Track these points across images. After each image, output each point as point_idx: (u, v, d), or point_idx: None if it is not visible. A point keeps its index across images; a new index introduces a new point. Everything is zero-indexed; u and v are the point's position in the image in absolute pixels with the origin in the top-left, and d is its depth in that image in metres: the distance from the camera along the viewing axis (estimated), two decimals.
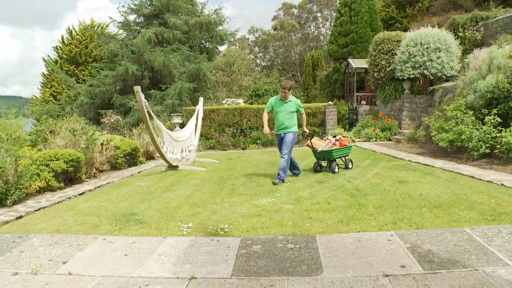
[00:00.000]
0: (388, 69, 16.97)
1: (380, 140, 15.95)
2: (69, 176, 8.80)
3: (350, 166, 9.54)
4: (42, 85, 30.07)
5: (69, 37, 29.63)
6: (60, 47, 29.44)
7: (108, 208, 6.46)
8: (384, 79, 17.40)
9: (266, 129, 8.66)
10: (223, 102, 22.32)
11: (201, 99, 14.25)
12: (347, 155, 9.68)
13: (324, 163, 9.68)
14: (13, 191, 6.93)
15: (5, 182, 6.94)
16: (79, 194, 7.83)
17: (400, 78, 16.24)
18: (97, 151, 10.21)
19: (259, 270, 3.72)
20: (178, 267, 3.88)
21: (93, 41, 27.29)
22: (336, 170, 9.02)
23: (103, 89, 21.29)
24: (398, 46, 16.44)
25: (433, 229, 4.56)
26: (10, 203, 6.83)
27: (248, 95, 24.78)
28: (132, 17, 24.38)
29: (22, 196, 7.13)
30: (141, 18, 24.34)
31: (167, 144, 10.39)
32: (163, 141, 10.26)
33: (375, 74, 17.69)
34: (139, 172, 10.66)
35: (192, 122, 12.79)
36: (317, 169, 9.37)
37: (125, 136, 13.82)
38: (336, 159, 9.41)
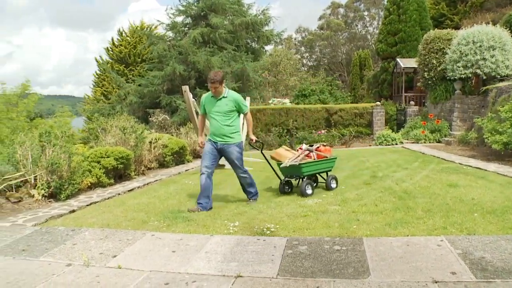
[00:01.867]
0: (438, 68, 16.48)
1: (430, 142, 15.52)
2: (119, 173, 9.06)
3: (333, 186, 7.35)
4: (93, 84, 31.12)
5: (119, 38, 30.49)
6: (110, 48, 30.35)
7: (156, 205, 6.61)
8: (434, 79, 16.90)
9: (200, 141, 6.87)
10: (270, 102, 22.31)
11: (247, 98, 14.30)
12: (330, 170, 7.54)
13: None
14: (67, 186, 7.21)
15: (59, 177, 7.23)
16: (128, 191, 8.05)
17: (451, 78, 15.74)
18: (146, 149, 10.45)
19: (305, 271, 3.69)
20: (224, 265, 3.91)
21: (142, 42, 27.95)
22: (309, 191, 6.84)
23: (152, 89, 21.75)
24: (449, 45, 15.94)
25: (486, 235, 4.38)
26: (63, 197, 7.11)
27: (294, 95, 24.71)
28: (179, 19, 24.80)
29: (74, 191, 7.40)
30: (188, 19, 24.70)
31: None
32: None
33: (425, 74, 17.21)
34: (186, 170, 10.84)
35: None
36: (284, 189, 7.21)
37: (172, 135, 14.07)
38: (314, 176, 7.49)
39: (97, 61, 30.61)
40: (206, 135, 6.86)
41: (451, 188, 6.87)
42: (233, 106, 6.37)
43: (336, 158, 7.66)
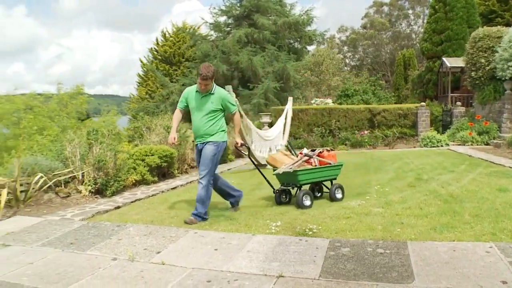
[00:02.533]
0: (487, 68, 15.91)
1: (477, 144, 15.01)
2: (163, 171, 9.24)
3: (339, 197, 6.53)
4: (138, 84, 31.82)
5: (163, 39, 31.05)
6: (155, 48, 30.95)
7: None
8: (482, 78, 16.33)
9: (172, 136, 5.89)
10: (312, 102, 22.17)
11: (290, 98, 14.30)
12: (334, 179, 6.75)
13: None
14: (112, 183, 7.43)
15: (106, 174, 7.45)
16: (172, 189, 8.20)
17: (501, 77, 15.17)
18: (189, 148, 10.61)
19: (348, 274, 3.65)
20: (266, 264, 3.92)
21: (185, 42, 28.38)
22: (307, 203, 6.08)
23: None
24: (499, 43, 15.35)
25: None
26: (109, 194, 7.33)
27: (337, 95, 24.48)
28: (222, 19, 25.06)
29: (120, 188, 7.61)
30: (231, 19, 24.92)
31: (256, 142, 10.55)
32: (252, 140, 10.43)
33: (472, 73, 16.65)
34: (228, 169, 10.93)
35: (280, 121, 12.88)
36: (280, 199, 6.47)
37: None
38: (316, 184, 6.79)
39: (141, 61, 31.34)
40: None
41: (501, 193, 6.62)
42: (219, 104, 5.74)
43: (342, 165, 6.76)
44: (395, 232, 4.70)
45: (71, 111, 17.24)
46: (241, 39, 22.15)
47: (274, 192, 6.43)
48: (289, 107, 13.70)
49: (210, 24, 24.86)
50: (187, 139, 10.31)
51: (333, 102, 21.90)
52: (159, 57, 30.20)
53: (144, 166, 8.49)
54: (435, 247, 4.16)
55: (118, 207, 6.61)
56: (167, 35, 30.93)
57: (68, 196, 7.17)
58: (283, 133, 12.95)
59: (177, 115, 6.00)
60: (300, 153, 6.74)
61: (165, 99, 24.13)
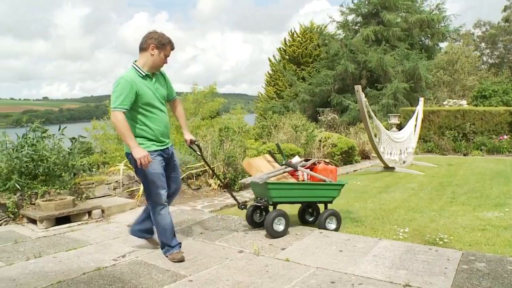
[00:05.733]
0: None
1: None
2: None
3: (331, 227, 5.04)
4: (266, 83, 32.63)
5: (290, 39, 31.45)
6: (283, 48, 31.48)
7: None
8: None
9: (144, 153, 3.88)
10: (444, 103, 20.82)
11: (421, 99, 13.60)
12: (330, 202, 5.23)
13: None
14: (240, 178, 7.70)
15: (234, 170, 7.77)
16: None
17: None
18: (315, 147, 10.63)
19: None
20: (392, 271, 3.75)
21: (312, 42, 28.44)
22: (279, 228, 4.73)
23: (322, 88, 22.04)
24: None
25: None
26: (237, 188, 7.64)
27: (473, 96, 22.64)
28: (350, 17, 24.68)
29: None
30: (359, 17, 24.43)
31: (385, 144, 10.21)
32: (381, 141, 10.11)
33: None
34: (354, 170, 10.76)
35: (411, 123, 12.31)
36: (251, 219, 5.12)
37: (341, 134, 14.06)
38: (310, 206, 5.46)
39: (270, 61, 32.09)
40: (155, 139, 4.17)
41: None
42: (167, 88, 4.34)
43: (343, 184, 5.23)
44: None
45: (206, 110, 18.31)
46: (369, 37, 21.58)
47: (239, 207, 4.98)
48: (419, 108, 13.03)
49: (338, 23, 24.63)
50: (314, 139, 10.33)
51: (467, 104, 20.32)
52: (287, 57, 30.66)
53: None
54: None
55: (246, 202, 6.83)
56: (294, 35, 31.30)
57: (198, 189, 7.64)
58: (414, 135, 12.36)
59: (120, 117, 3.85)
60: (291, 161, 5.30)
61: (293, 98, 24.47)
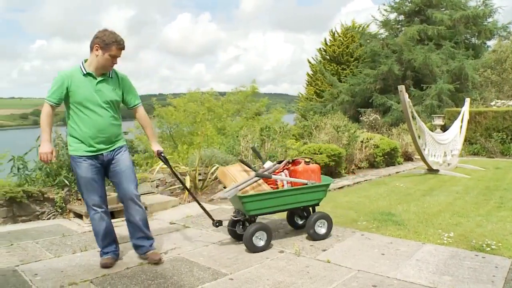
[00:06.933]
0: None
1: None
2: (330, 170, 9.26)
3: (321, 232, 4.71)
4: (307, 83, 32.42)
5: (331, 38, 31.14)
6: (323, 48, 31.20)
7: (365, 205, 6.57)
8: None
9: (47, 150, 3.84)
10: (491, 104, 20.09)
11: (467, 100, 13.19)
12: (317, 204, 4.89)
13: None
14: None
15: None
16: (338, 188, 8.19)
17: None
18: (357, 148, 10.50)
19: None
20: (436, 277, 3.66)
21: (354, 42, 28.05)
22: (259, 244, 4.36)
23: (363, 88, 21.70)
24: None
25: None
26: None
27: None
28: (392, 16, 24.20)
29: None
30: (401, 16, 23.92)
31: (429, 146, 9.96)
32: (425, 143, 9.87)
33: None
34: (396, 172, 10.55)
35: (456, 124, 11.96)
36: (233, 233, 4.76)
37: (383, 135, 13.83)
38: (300, 210, 5.05)
39: (309, 62, 31.88)
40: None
41: None
42: (121, 93, 4.15)
43: (328, 184, 4.93)
44: None
45: (250, 111, 18.45)
46: (414, 37, 21.07)
47: (213, 225, 4.58)
48: (465, 109, 12.64)
49: (380, 21, 24.21)
50: (356, 139, 10.21)
51: None
52: (327, 56, 30.38)
53: None
54: None
55: None
56: (335, 35, 30.97)
57: None
58: (459, 137, 12.00)
59: (50, 115, 3.88)
60: (263, 167, 4.84)
61: (333, 98, 24.24)
